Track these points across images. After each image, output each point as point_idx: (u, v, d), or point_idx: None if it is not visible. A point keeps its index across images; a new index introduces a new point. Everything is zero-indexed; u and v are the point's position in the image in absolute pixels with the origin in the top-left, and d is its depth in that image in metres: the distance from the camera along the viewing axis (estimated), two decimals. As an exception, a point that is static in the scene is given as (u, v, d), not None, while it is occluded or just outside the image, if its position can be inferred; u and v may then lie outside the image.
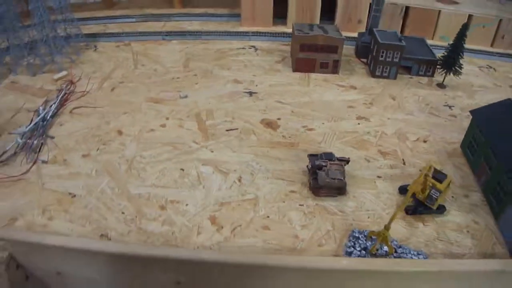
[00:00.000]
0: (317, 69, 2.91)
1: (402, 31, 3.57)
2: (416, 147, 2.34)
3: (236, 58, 3.13)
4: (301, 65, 2.91)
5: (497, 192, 1.92)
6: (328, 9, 3.55)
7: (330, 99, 2.69)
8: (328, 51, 2.83)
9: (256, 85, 2.80)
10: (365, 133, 2.41)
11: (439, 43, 3.52)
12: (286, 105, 2.61)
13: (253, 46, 3.30)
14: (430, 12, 3.51)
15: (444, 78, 2.94)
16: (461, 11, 3.52)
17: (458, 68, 2.84)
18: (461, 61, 2.81)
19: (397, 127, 2.48)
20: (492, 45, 3.68)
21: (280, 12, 3.57)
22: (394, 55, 2.83)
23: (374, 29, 2.97)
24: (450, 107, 2.71)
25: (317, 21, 3.53)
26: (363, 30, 3.39)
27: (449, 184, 1.92)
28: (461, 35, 2.74)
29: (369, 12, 3.40)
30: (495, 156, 1.97)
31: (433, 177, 1.89)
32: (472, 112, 2.24)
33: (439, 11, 3.50)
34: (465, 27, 2.73)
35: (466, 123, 2.35)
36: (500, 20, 3.57)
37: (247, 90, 2.74)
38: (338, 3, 3.47)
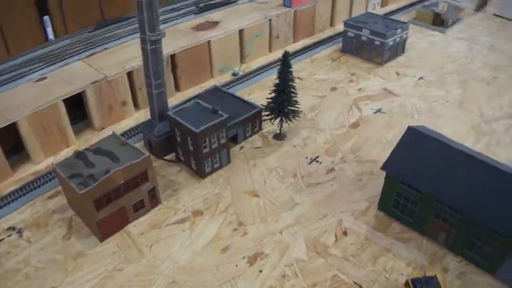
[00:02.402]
0: (132, 216, 2.06)
1: (176, 86, 2.94)
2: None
3: None
4: (108, 227, 2.00)
5: (479, 246, 1.84)
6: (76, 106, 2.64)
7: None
8: (136, 185, 2.01)
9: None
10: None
11: (225, 78, 3.19)
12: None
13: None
14: (198, 48, 3.01)
15: (281, 126, 2.53)
16: (228, 31, 3.19)
17: (294, 108, 2.46)
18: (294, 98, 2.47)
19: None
20: (271, 51, 3.62)
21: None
22: (220, 136, 2.21)
23: (171, 114, 2.24)
24: (317, 161, 2.43)
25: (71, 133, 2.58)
26: (133, 113, 2.64)
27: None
28: (285, 65, 2.32)
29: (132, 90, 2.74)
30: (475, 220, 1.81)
31: None
32: (385, 167, 2.03)
33: (208, 42, 3.00)
34: (287, 56, 2.32)
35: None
36: (270, 20, 3.45)
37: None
38: (88, 94, 2.55)
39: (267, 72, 3.26)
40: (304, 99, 2.89)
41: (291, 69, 2.35)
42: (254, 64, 3.38)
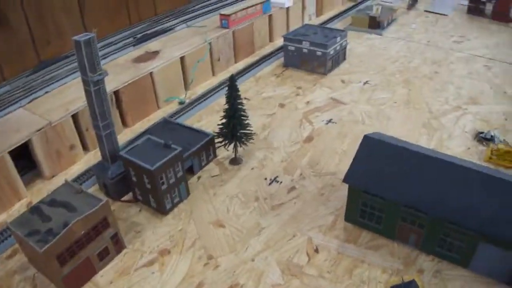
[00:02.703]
0: (98, 266, 2.01)
1: (124, 122, 2.90)
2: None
3: None
4: (75, 281, 1.93)
5: (449, 242, 1.90)
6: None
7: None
8: (98, 233, 1.96)
9: None
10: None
11: (172, 108, 3.15)
12: None
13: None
14: (141, 81, 2.97)
15: (236, 151, 2.54)
16: (169, 60, 3.17)
17: (247, 131, 2.47)
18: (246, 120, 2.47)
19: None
20: (214, 75, 3.63)
21: None
22: (176, 169, 2.19)
23: (123, 154, 2.20)
24: (277, 181, 2.44)
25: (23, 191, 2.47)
26: (83, 156, 2.59)
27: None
28: (232, 90, 2.33)
29: (79, 132, 2.66)
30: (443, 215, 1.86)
31: None
32: (347, 179, 2.05)
33: (151, 73, 2.98)
34: (233, 79, 2.33)
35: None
36: (210, 44, 3.46)
37: None
38: (34, 142, 2.46)
39: (213, 96, 3.27)
40: (254, 119, 2.91)
41: (239, 93, 2.36)
42: (199, 89, 3.37)
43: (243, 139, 2.46)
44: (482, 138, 2.83)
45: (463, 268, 1.91)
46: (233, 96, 2.35)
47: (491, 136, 2.83)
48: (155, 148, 2.22)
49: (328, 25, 4.59)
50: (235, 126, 2.40)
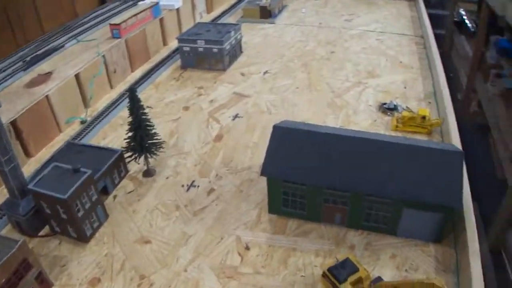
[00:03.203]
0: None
1: (26, 152, 2.79)
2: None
3: None
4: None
5: (374, 214, 2.04)
6: None
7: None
8: (21, 277, 1.86)
9: None
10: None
11: (74, 129, 3.07)
12: None
13: None
14: (38, 106, 2.87)
15: (147, 162, 2.55)
16: (64, 79, 3.08)
17: (155, 140, 2.48)
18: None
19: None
20: (112, 87, 3.59)
21: None
22: (90, 193, 2.17)
23: (32, 187, 2.14)
24: (194, 186, 2.47)
25: None
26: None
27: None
28: (134, 102, 2.32)
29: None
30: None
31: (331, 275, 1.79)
32: (264, 172, 2.12)
33: (47, 96, 2.90)
34: (133, 91, 2.32)
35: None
36: (104, 57, 3.42)
37: None
38: None
39: (115, 110, 3.25)
40: (160, 127, 2.94)
41: (141, 103, 2.37)
42: (99, 105, 3.33)
43: (152, 150, 2.48)
44: (386, 108, 3.03)
45: (392, 236, 2.06)
46: (135, 108, 2.35)
47: (394, 105, 3.04)
48: (64, 175, 2.20)
49: (220, 21, 4.70)
50: (142, 138, 2.41)
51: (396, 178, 1.94)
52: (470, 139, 6.37)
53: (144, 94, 3.42)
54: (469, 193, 2.19)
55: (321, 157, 2.04)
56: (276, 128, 2.17)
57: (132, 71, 3.81)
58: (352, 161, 2.00)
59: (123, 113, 3.11)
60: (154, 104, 3.29)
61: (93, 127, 3.07)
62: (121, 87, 3.56)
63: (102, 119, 3.17)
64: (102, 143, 2.84)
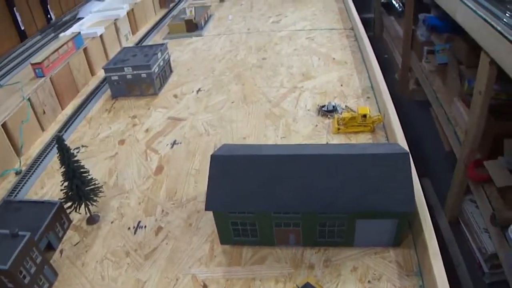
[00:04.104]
0: None
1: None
2: None
3: None
4: None
5: (328, 230, 2.06)
6: None
7: None
8: None
9: None
10: None
11: (10, 181, 2.98)
12: None
13: None
14: None
15: (89, 209, 2.52)
16: None
17: (92, 186, 2.47)
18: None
19: None
20: (44, 130, 3.51)
21: None
22: (33, 256, 2.14)
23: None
24: (141, 227, 2.44)
25: None
26: None
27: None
28: (63, 151, 2.29)
29: None
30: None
31: None
32: (209, 206, 2.08)
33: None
34: (60, 141, 2.28)
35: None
36: (29, 100, 3.37)
37: None
38: None
39: (50, 154, 3.19)
40: (97, 167, 2.92)
41: (71, 151, 2.34)
42: (32, 152, 3.27)
43: (91, 196, 2.46)
44: (325, 111, 3.07)
45: (350, 248, 2.10)
46: (65, 158, 2.33)
47: (333, 106, 3.10)
48: (1, 241, 2.16)
49: (147, 40, 4.68)
50: (78, 187, 2.39)
51: (345, 191, 1.97)
52: (413, 117, 6.59)
53: (78, 133, 3.37)
54: (420, 190, 2.21)
55: (265, 181, 2.04)
56: (214, 158, 2.15)
57: (63, 108, 3.75)
58: (297, 180, 2.01)
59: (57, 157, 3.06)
60: (89, 141, 3.24)
61: (29, 177, 3.01)
62: (53, 127, 3.50)
63: (37, 166, 3.11)
64: (41, 193, 2.80)
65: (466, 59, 4.16)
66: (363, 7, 8.73)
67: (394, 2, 7.31)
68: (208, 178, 2.13)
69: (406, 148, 2.33)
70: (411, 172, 1.98)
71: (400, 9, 6.94)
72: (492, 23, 2.91)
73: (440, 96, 4.80)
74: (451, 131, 4.34)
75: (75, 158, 2.38)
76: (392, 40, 7.15)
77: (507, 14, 2.90)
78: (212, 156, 2.16)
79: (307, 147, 2.24)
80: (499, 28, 2.82)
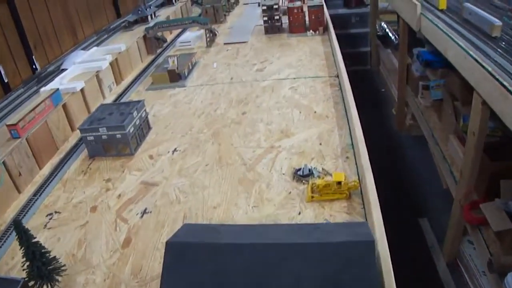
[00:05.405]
0: None
1: None
2: None
3: None
4: None
5: None
6: None
7: None
8: None
9: None
10: None
11: None
12: None
13: None
14: None
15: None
16: None
17: (54, 266, 2.51)
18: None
19: None
20: (20, 192, 3.54)
21: None
22: None
23: None
24: None
25: None
26: None
27: None
28: (21, 234, 2.35)
29: None
30: None
31: None
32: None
33: None
34: (18, 225, 2.35)
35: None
36: (4, 163, 3.41)
37: None
38: None
39: (24, 219, 3.22)
40: (67, 237, 2.94)
41: (30, 232, 2.39)
42: (7, 216, 3.30)
43: (53, 275, 2.51)
44: (300, 176, 3.05)
45: None
46: (24, 240, 2.38)
47: (309, 170, 3.06)
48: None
49: (130, 90, 4.76)
50: (39, 268, 2.44)
51: (304, 283, 1.91)
52: (412, 152, 6.64)
53: (52, 197, 3.40)
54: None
55: (220, 275, 1.99)
56: (169, 245, 2.13)
57: (40, 168, 3.81)
58: (253, 273, 1.95)
59: (32, 221, 3.13)
60: (62, 207, 3.27)
61: (1, 245, 3.05)
62: (30, 189, 3.55)
63: (10, 233, 3.15)
64: (11, 264, 2.82)
65: (461, 95, 4.23)
66: (359, 41, 8.86)
67: (390, 35, 7.38)
68: (163, 266, 2.11)
69: (379, 222, 2.28)
70: (375, 263, 1.91)
71: (396, 42, 7.01)
72: (483, 64, 2.95)
73: (436, 133, 4.84)
74: (447, 170, 4.36)
75: (35, 241, 2.44)
76: (388, 73, 7.22)
77: (497, 53, 2.95)
78: (167, 244, 2.14)
79: (268, 229, 2.25)
80: (489, 69, 2.86)
